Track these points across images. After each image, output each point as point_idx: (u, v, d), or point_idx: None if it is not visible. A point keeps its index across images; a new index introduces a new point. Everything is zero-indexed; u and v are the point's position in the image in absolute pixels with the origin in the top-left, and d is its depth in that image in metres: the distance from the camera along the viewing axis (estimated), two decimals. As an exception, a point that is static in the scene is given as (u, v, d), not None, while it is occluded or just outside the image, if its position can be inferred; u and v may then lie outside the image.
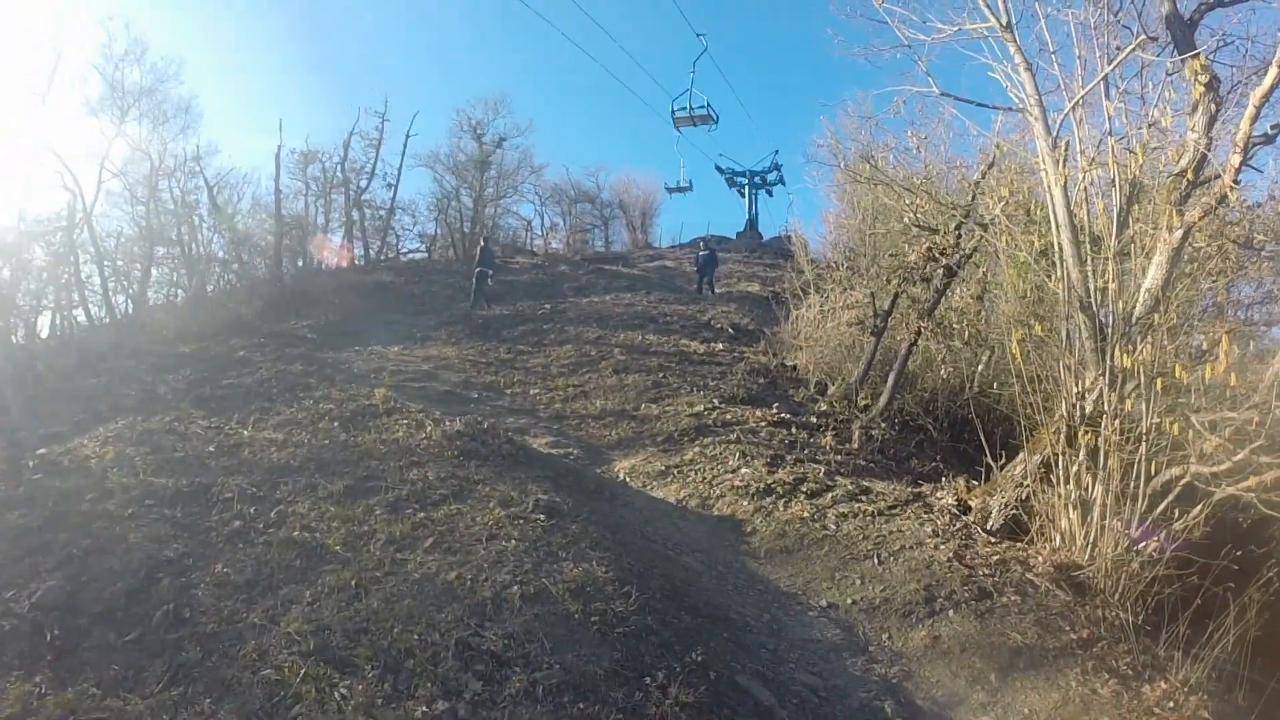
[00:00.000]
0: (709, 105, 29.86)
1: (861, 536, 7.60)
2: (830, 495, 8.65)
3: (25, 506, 6.23)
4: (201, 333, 15.82)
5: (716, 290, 24.57)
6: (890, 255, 13.67)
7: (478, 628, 4.80)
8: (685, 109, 29.93)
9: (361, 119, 30.75)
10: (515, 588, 5.27)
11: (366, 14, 77.25)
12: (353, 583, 5.22)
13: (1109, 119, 7.32)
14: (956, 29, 8.24)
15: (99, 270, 19.84)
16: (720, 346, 16.98)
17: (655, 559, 6.76)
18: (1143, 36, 6.95)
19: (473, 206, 33.41)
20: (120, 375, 11.85)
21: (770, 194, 39.07)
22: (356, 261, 28.31)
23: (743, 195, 38.65)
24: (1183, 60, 6.85)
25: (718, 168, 37.57)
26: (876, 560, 7.11)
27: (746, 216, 38.68)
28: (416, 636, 4.62)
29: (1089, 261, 7.09)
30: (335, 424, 8.82)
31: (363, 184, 29.39)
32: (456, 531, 6.18)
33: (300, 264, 26.43)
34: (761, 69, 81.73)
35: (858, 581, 6.82)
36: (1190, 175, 6.63)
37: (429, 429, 8.66)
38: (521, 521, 6.43)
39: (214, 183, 24.55)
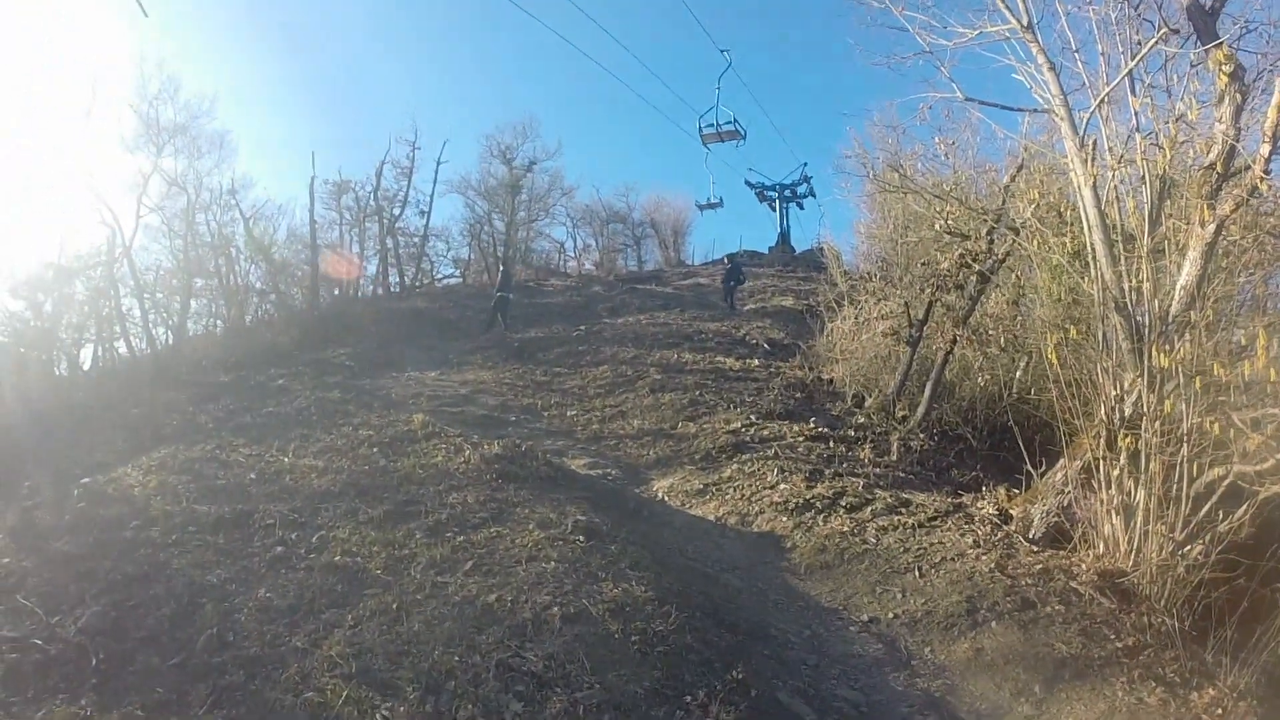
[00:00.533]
0: (736, 121, 29.94)
1: (902, 549, 7.53)
2: (870, 509, 8.59)
3: (71, 534, 6.44)
4: (241, 362, 16.13)
5: (740, 305, 24.51)
6: (923, 264, 13.55)
7: (518, 649, 4.85)
8: (713, 125, 30.03)
9: (393, 148, 31.54)
10: (555, 609, 5.31)
11: (393, 44, 78.61)
12: (394, 606, 5.29)
13: (1135, 115, 7.23)
14: (977, 32, 8.22)
15: (139, 303, 20.34)
16: (756, 362, 16.96)
17: (695, 577, 6.76)
18: (1165, 29, 6.88)
19: (505, 230, 33.82)
20: (162, 405, 12.11)
21: (801, 207, 38.87)
22: (393, 288, 28.65)
23: (774, 209, 38.50)
24: (1206, 51, 6.77)
25: (748, 183, 37.53)
26: (918, 573, 7.04)
27: (778, 230, 38.53)
28: (457, 658, 4.67)
29: (1122, 261, 6.99)
30: (374, 450, 8.95)
31: (396, 212, 29.78)
32: (496, 554, 6.24)
33: (336, 293, 26.82)
34: (786, 82, 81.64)
35: (899, 595, 6.76)
36: (1220, 168, 6.53)
37: (467, 453, 8.74)
38: (560, 543, 6.47)
39: (250, 215, 25.11)
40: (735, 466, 10.50)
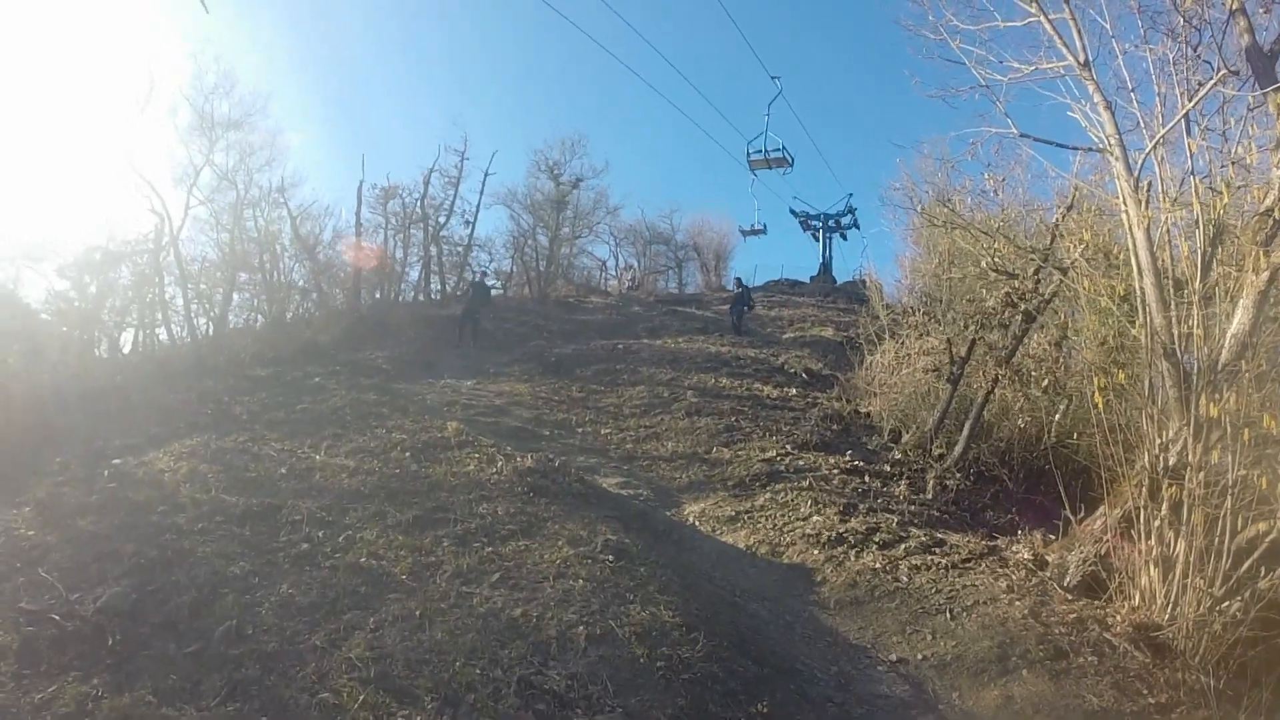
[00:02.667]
0: (784, 148, 30.01)
1: (934, 590, 7.44)
2: (903, 546, 8.49)
3: (97, 514, 6.58)
4: (279, 358, 16.24)
5: (748, 327, 24.44)
6: (967, 300, 13.44)
7: (541, 666, 4.85)
8: (761, 151, 30.13)
9: (442, 157, 31.42)
10: (581, 628, 5.30)
11: (449, 55, 79.92)
12: (417, 613, 5.32)
13: (1191, 157, 7.13)
14: (1033, 68, 8.20)
15: (182, 292, 20.62)
16: (794, 391, 16.86)
17: (723, 605, 6.72)
18: (1223, 71, 6.79)
19: (548, 245, 34.02)
20: (198, 394, 12.24)
21: (844, 238, 38.77)
22: (434, 295, 28.89)
23: (816, 239, 38.44)
24: (1265, 94, 6.68)
25: (792, 210, 37.55)
26: (949, 615, 6.94)
27: (820, 260, 38.47)
28: (478, 671, 4.68)
29: (1173, 306, 6.88)
30: (407, 454, 9.01)
31: (441, 220, 30.01)
32: (524, 568, 6.25)
33: (377, 295, 27.10)
34: (837, 111, 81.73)
35: (929, 636, 6.66)
36: (1276, 214, 6.41)
37: (500, 464, 8.78)
38: (589, 561, 6.46)
39: (297, 214, 25.41)
40: (768, 496, 10.44)
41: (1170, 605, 6.26)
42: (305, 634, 5.00)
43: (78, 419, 10.20)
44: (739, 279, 29.10)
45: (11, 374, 12.17)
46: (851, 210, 37.43)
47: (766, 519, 9.65)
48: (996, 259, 11.74)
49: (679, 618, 5.67)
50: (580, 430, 13.41)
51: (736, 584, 7.66)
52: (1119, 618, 6.53)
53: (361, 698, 4.29)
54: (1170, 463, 6.54)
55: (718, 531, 9.47)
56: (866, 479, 11.32)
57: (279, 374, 14.36)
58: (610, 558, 6.61)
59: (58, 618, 4.80)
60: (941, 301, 15.00)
